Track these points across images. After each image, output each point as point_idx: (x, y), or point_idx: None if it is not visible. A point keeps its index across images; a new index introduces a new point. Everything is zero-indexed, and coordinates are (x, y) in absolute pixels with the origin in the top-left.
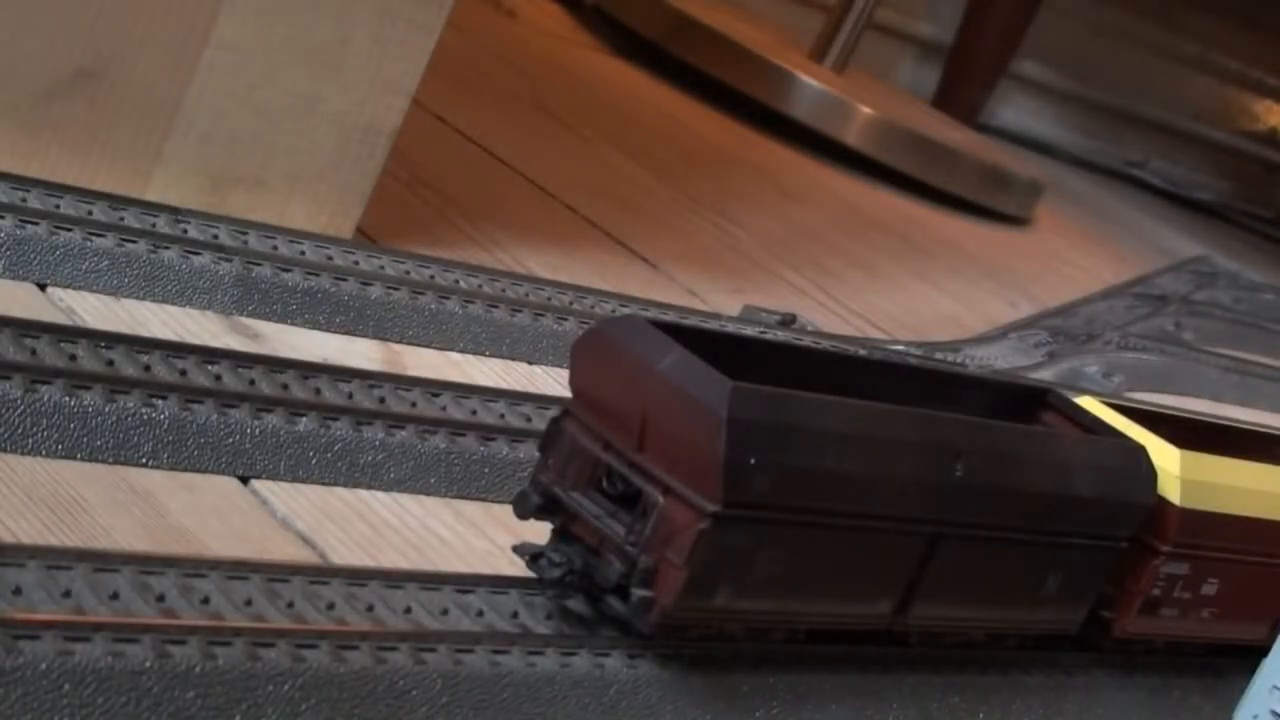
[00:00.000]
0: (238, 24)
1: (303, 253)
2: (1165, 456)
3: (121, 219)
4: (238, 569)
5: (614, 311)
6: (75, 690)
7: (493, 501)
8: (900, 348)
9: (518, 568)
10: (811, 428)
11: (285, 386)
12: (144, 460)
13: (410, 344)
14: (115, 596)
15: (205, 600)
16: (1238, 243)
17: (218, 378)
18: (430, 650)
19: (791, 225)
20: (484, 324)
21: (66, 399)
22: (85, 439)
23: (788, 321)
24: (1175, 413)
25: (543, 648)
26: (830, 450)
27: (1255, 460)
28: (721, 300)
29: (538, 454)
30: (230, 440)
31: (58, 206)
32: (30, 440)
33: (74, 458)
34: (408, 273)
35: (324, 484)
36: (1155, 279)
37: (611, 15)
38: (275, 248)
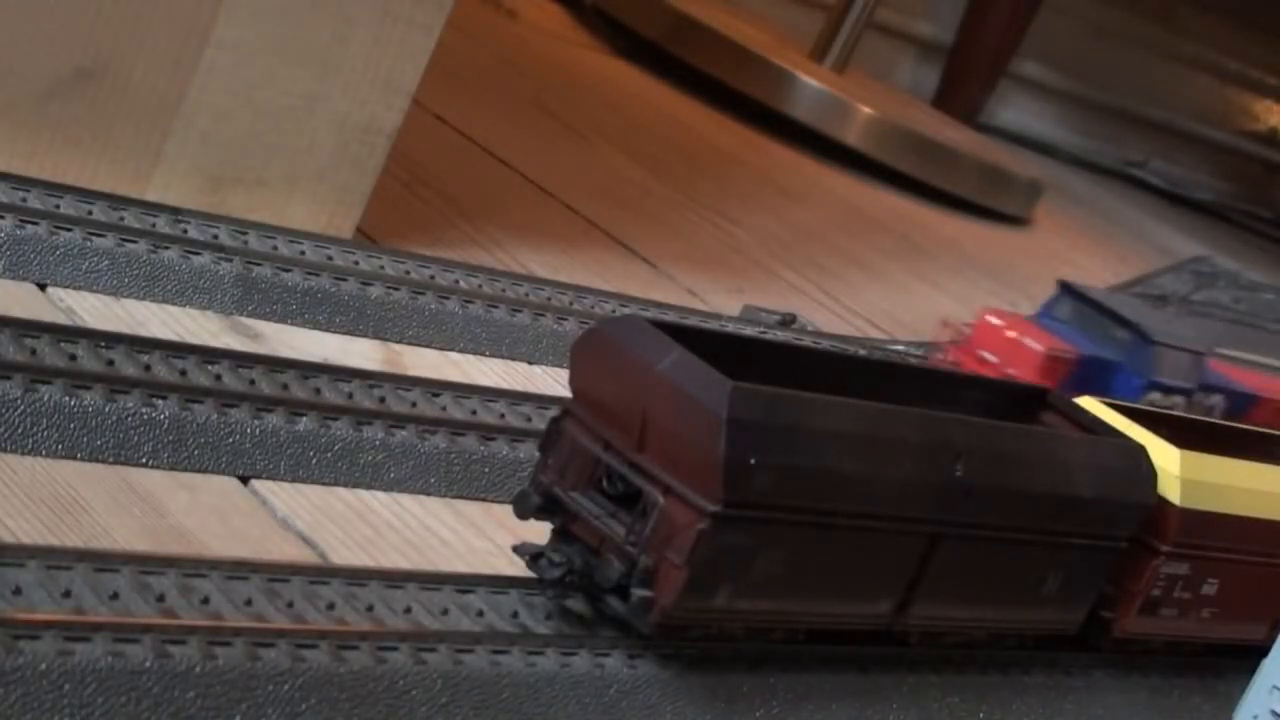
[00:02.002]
0: (238, 24)
1: (303, 253)
2: (1165, 456)
3: (121, 219)
4: (238, 569)
5: (614, 311)
6: (75, 690)
7: (493, 501)
8: (900, 348)
9: (518, 568)
10: (811, 428)
11: (285, 386)
12: (144, 460)
13: (410, 344)
14: (115, 596)
15: (205, 600)
16: (1238, 243)
17: (218, 378)
18: (430, 650)
19: (791, 225)
20: (484, 324)
21: (66, 399)
22: (85, 439)
23: (788, 321)
24: (1175, 413)
25: (543, 648)
26: (830, 450)
27: (1255, 460)
28: (721, 300)
29: (538, 454)
30: (230, 440)
31: (58, 206)
32: (30, 440)
33: (74, 458)
34: (408, 273)
35: (324, 484)
36: (1155, 279)
37: (611, 15)
38: (275, 248)
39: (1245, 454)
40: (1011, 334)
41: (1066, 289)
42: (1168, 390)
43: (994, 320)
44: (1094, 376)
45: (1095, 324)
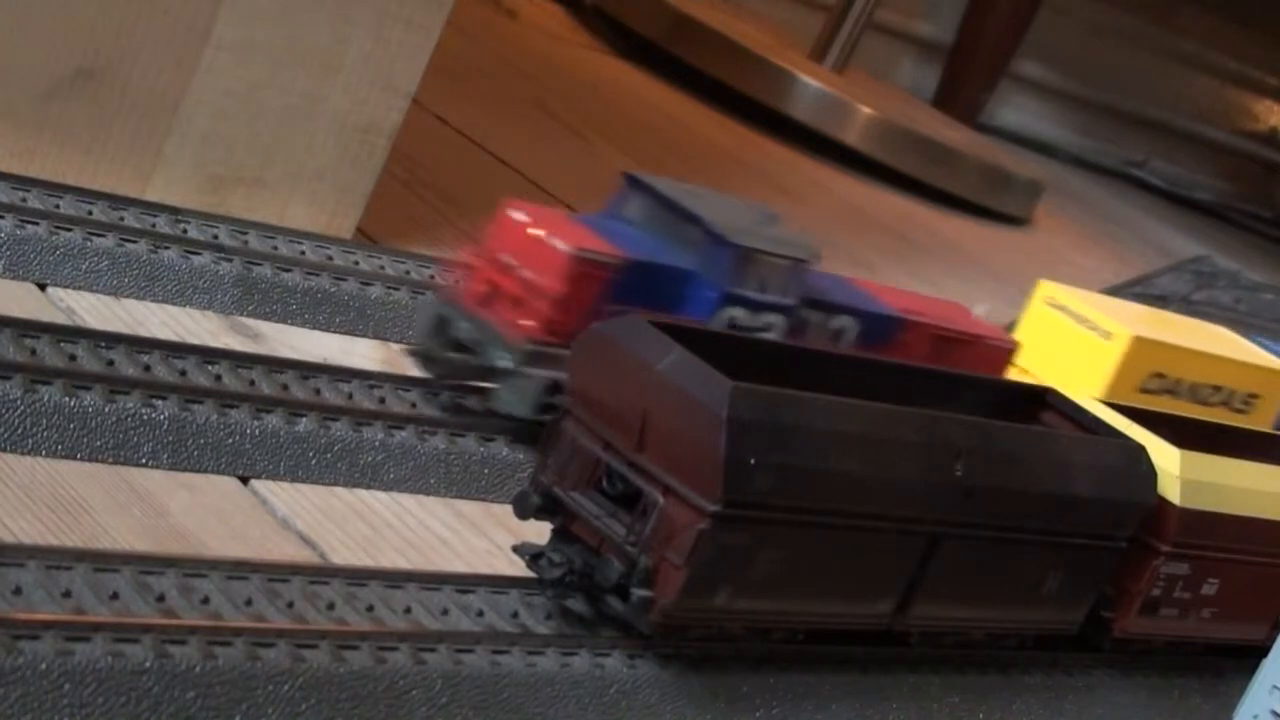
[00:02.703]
0: (238, 24)
1: (303, 253)
2: (1165, 456)
3: (121, 219)
4: (238, 569)
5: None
6: (75, 690)
7: (492, 501)
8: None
9: (518, 568)
10: (811, 428)
11: (285, 387)
12: (144, 460)
13: (410, 344)
14: (115, 596)
15: (205, 600)
16: (1238, 243)
17: (218, 378)
18: (430, 650)
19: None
20: None
21: (66, 399)
22: (85, 439)
23: None
24: (1175, 413)
25: (543, 648)
26: (830, 450)
27: (1255, 460)
28: None
29: (538, 454)
30: (230, 440)
31: (58, 206)
32: (30, 440)
33: (74, 458)
34: (408, 273)
35: (324, 484)
36: (1155, 279)
37: (611, 15)
38: (275, 248)
39: (1245, 454)
40: (536, 231)
41: (633, 182)
42: (756, 306)
43: (517, 214)
44: (654, 287)
45: (667, 224)
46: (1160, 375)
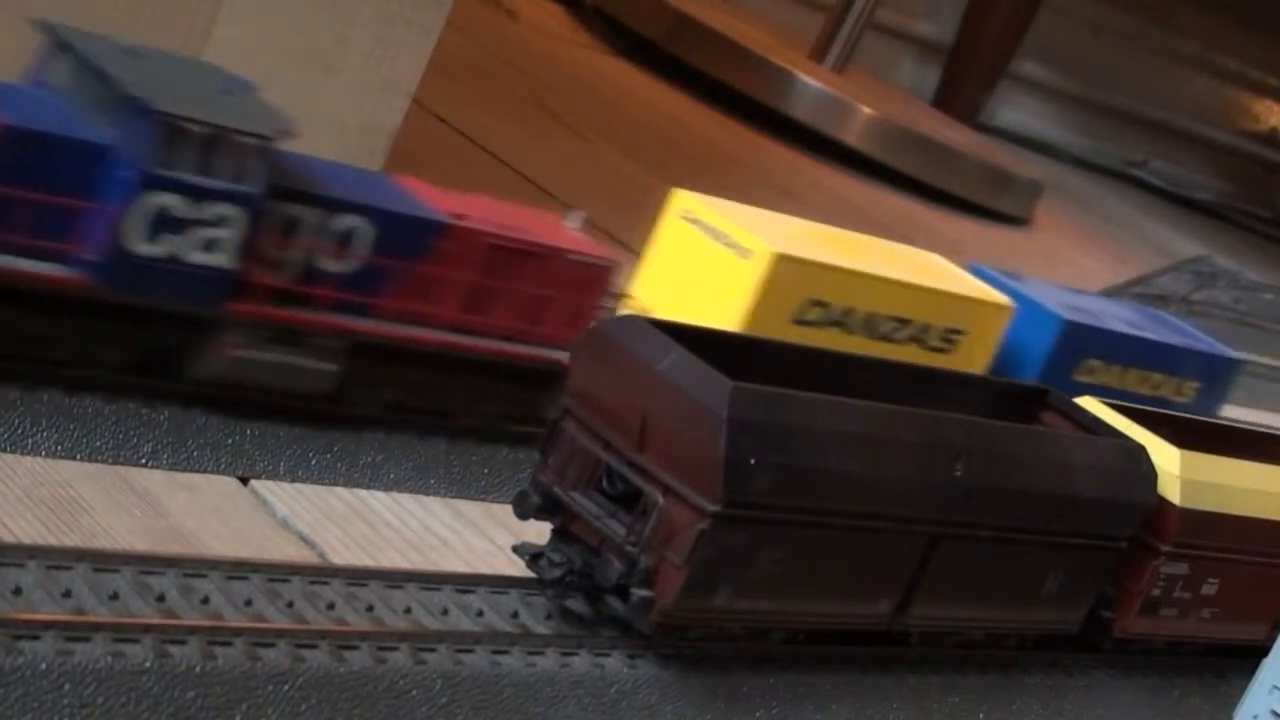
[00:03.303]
0: (238, 24)
1: None
2: (1165, 456)
3: None
4: (238, 569)
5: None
6: (75, 690)
7: (492, 501)
8: None
9: (518, 568)
10: (811, 428)
11: None
12: (144, 460)
13: None
14: (115, 596)
15: (205, 600)
16: (1238, 243)
17: None
18: (430, 650)
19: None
20: None
21: (66, 399)
22: (85, 439)
23: None
24: (1175, 413)
25: (543, 648)
26: (830, 450)
27: (1255, 460)
28: None
29: (538, 454)
30: (230, 440)
31: None
32: (30, 440)
33: (74, 458)
34: None
35: (324, 484)
36: (1155, 279)
37: (611, 15)
38: None
39: (1245, 454)
40: None
41: (58, 39)
42: (197, 193)
43: None
44: (48, 165)
45: (92, 91)
46: (822, 304)
